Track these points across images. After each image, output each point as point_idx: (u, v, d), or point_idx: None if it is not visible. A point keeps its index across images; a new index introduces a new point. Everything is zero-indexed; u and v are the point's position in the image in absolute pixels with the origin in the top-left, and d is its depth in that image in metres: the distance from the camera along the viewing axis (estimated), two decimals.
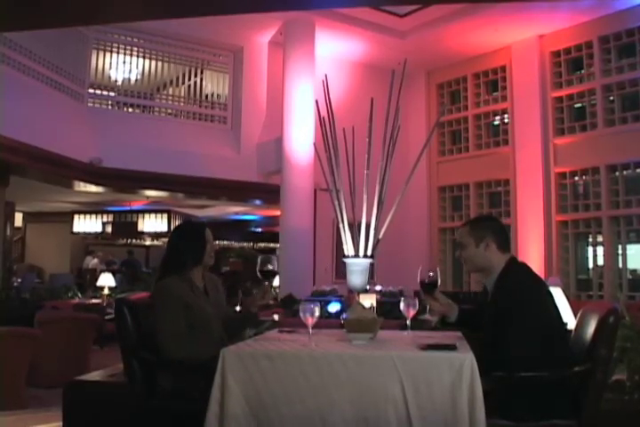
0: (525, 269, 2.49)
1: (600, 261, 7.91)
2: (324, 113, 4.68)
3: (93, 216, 12.98)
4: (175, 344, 2.54)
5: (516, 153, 8.66)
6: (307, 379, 2.01)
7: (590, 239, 8.21)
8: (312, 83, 7.74)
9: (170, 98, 9.19)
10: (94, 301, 8.03)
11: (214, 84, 9.40)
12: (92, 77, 8.37)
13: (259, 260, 2.70)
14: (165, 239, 13.02)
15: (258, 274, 2.69)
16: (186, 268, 2.74)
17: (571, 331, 2.58)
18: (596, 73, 8.02)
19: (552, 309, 2.41)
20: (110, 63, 8.64)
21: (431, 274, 2.54)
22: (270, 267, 2.70)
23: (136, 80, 9.08)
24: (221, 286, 2.96)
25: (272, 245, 14.16)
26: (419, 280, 2.55)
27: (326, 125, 4.45)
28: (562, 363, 2.29)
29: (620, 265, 7.77)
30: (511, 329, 2.28)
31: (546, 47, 8.49)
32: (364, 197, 4.49)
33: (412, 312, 2.48)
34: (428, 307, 2.59)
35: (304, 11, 7.60)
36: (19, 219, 13.09)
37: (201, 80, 9.34)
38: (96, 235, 13.30)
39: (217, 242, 13.70)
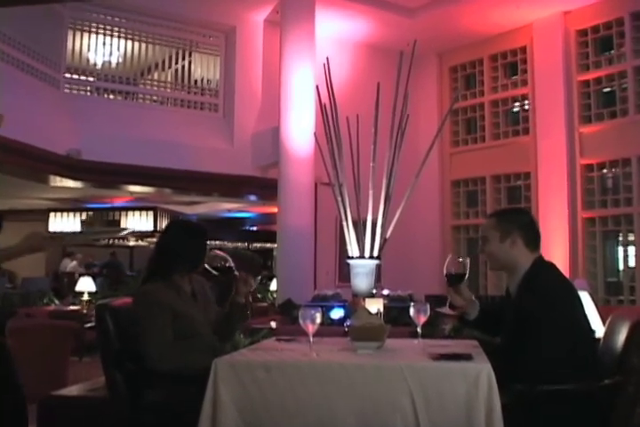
0: (553, 269, 2.50)
1: (631, 263, 7.91)
2: (325, 100, 4.68)
3: (71, 214, 12.97)
4: (161, 355, 2.55)
5: (537, 143, 8.65)
6: (307, 391, 2.02)
7: (620, 238, 8.21)
8: (312, 66, 7.73)
9: (155, 83, 9.19)
10: (73, 307, 8.04)
11: (204, 67, 9.39)
12: (69, 61, 8.38)
13: (208, 257, 2.71)
14: (151, 239, 13.09)
15: (211, 271, 2.70)
16: (176, 273, 2.74)
17: (599, 339, 2.59)
18: (628, 53, 8.01)
19: (580, 315, 2.41)
20: (88, 45, 8.64)
21: (460, 259, 2.57)
22: (223, 263, 2.71)
23: (117, 64, 9.08)
24: (210, 289, 2.98)
25: (269, 245, 14.18)
26: (445, 272, 2.57)
27: (328, 113, 4.44)
28: (589, 375, 2.29)
29: None
30: (534, 336, 2.28)
31: (571, 25, 8.47)
32: (370, 192, 4.50)
33: (422, 319, 2.49)
34: (448, 300, 2.61)
35: None
36: None
37: (189, 64, 9.33)
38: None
39: (208, 242, 13.78)
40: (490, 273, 8.70)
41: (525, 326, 2.30)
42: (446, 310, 2.63)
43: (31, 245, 2.42)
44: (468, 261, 2.59)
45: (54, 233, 2.76)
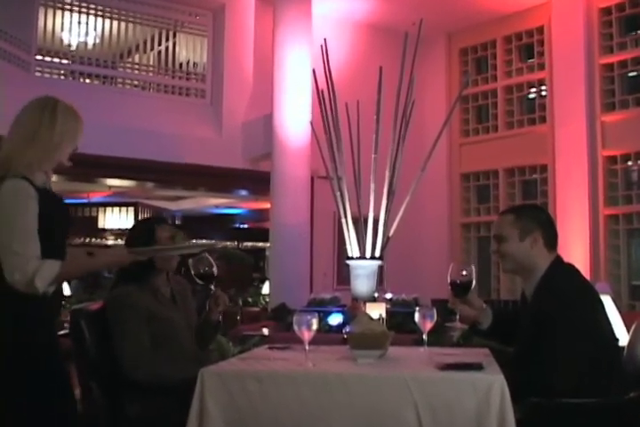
0: (573, 271, 2.51)
1: None
2: (322, 85, 4.68)
3: None
4: (136, 361, 2.56)
5: (555, 133, 8.65)
6: (302, 404, 2.02)
7: None
8: (308, 48, 7.72)
9: (136, 67, 9.16)
10: None
11: (190, 49, 9.37)
12: (40, 41, 8.34)
13: (190, 263, 2.70)
14: None
15: (195, 279, 2.70)
16: (149, 273, 2.75)
17: (623, 348, 2.60)
18: None
19: (602, 321, 2.42)
20: (62, 24, 8.61)
21: (464, 273, 2.55)
22: (207, 269, 2.71)
23: (94, 45, 9.05)
24: (191, 292, 3.00)
25: (261, 244, 14.17)
26: (449, 280, 2.57)
27: (326, 100, 4.45)
28: (612, 387, 2.30)
29: None
30: (552, 344, 2.29)
31: (594, 2, 8.46)
32: (372, 186, 4.51)
33: (428, 325, 2.50)
34: (458, 313, 2.60)
35: None
36: None
37: (174, 45, 9.31)
38: None
39: (194, 241, 13.82)
40: (502, 276, 8.71)
41: (543, 334, 2.30)
42: (457, 324, 2.63)
43: (113, 261, 2.41)
44: (473, 268, 2.58)
45: (138, 249, 2.78)
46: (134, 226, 3.29)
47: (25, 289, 2.07)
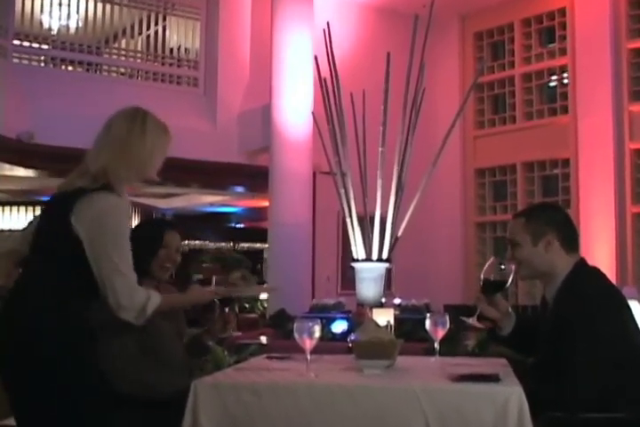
0: (598, 275, 2.52)
1: None
2: (325, 73, 4.68)
3: (22, 209, 12.96)
4: (122, 370, 2.57)
5: (578, 124, 8.65)
6: (304, 419, 2.03)
7: None
8: (310, 33, 7.73)
9: (122, 53, 9.17)
10: None
11: (181, 34, 9.38)
12: (18, 25, 8.35)
13: (213, 282, 2.73)
14: None
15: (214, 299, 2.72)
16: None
17: None
18: None
19: (630, 327, 2.42)
20: (42, 6, 8.62)
21: (502, 267, 2.57)
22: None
23: (77, 29, 9.05)
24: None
25: (258, 245, 14.18)
26: (482, 277, 2.58)
27: (328, 89, 4.45)
28: None
29: None
30: (572, 348, 2.29)
31: None
32: (379, 182, 4.52)
33: (440, 333, 2.51)
34: (478, 310, 2.61)
35: None
36: None
37: (164, 29, 9.32)
38: None
39: (187, 242, 13.82)
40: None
41: (562, 338, 2.31)
42: (473, 321, 2.63)
43: (199, 299, 2.58)
44: (512, 267, 2.59)
45: (220, 289, 2.95)
46: (140, 226, 3.27)
47: (124, 313, 2.18)
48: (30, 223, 2.44)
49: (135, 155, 2.33)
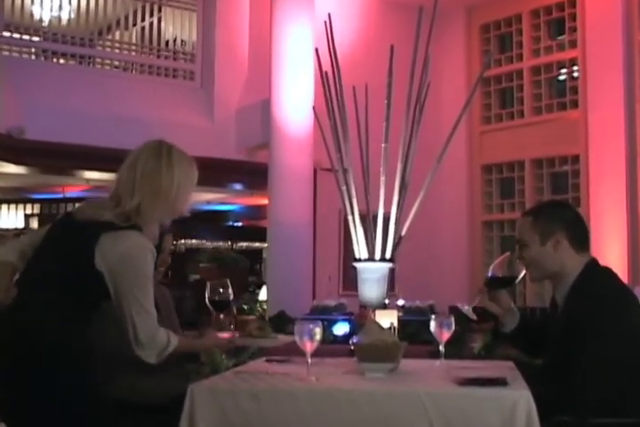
0: (610, 275, 2.52)
1: None
2: (326, 66, 4.68)
3: (13, 207, 12.98)
4: (119, 379, 2.57)
5: (588, 119, 8.64)
6: (304, 424, 2.03)
7: None
8: (311, 25, 7.72)
9: (116, 45, 9.17)
10: None
11: (177, 26, 9.38)
12: (8, 16, 8.35)
13: (207, 287, 2.71)
14: None
15: (208, 305, 2.70)
16: None
17: None
18: None
19: None
20: None
21: (513, 265, 2.61)
22: (223, 294, 2.69)
23: (69, 20, 9.06)
24: (172, 300, 3.02)
25: (257, 244, 14.19)
26: (489, 273, 2.62)
27: (330, 83, 4.45)
28: None
29: None
30: (581, 348, 2.30)
31: None
32: (382, 179, 4.52)
33: (446, 335, 2.51)
34: (475, 301, 2.65)
35: None
36: None
37: (159, 20, 9.32)
38: (17, 232, 13.31)
39: (183, 241, 13.84)
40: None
41: (572, 339, 2.31)
42: (468, 310, 2.66)
43: (215, 345, 2.73)
44: (522, 268, 2.62)
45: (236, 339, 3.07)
46: None
47: (141, 350, 2.26)
48: (25, 236, 2.48)
49: (165, 193, 2.37)
